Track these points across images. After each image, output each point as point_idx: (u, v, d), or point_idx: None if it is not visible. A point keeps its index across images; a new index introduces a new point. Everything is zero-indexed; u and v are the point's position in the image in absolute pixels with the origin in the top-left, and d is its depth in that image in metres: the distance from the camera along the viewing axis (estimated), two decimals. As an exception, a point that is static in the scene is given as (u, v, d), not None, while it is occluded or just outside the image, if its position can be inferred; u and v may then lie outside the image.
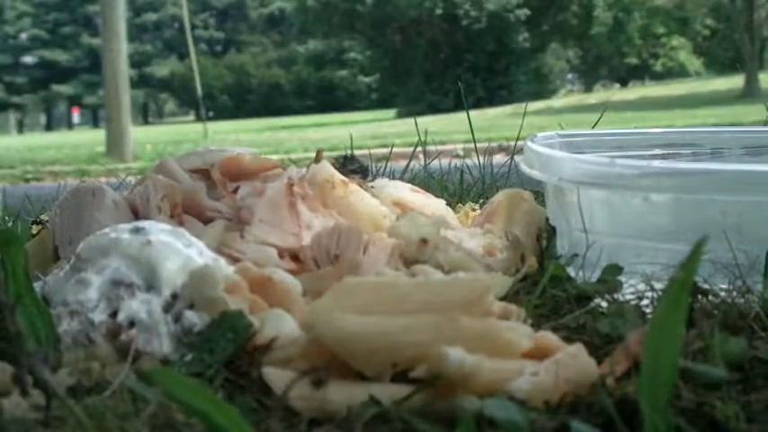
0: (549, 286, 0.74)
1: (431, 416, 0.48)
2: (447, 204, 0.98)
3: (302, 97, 30.06)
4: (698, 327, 0.61)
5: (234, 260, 0.71)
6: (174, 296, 0.61)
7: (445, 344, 0.48)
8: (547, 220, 0.86)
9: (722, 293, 0.68)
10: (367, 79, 27.23)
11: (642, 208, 0.76)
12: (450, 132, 7.57)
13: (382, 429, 0.48)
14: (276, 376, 0.52)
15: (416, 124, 1.67)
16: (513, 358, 0.52)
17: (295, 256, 0.77)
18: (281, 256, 0.76)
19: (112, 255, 0.62)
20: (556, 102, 16.00)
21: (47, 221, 0.91)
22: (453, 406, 0.48)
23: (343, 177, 0.88)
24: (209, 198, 0.81)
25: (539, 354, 0.53)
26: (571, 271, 0.78)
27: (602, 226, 0.79)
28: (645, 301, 0.70)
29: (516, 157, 1.35)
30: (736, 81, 14.32)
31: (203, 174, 0.87)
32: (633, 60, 26.52)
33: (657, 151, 1.03)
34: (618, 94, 17.86)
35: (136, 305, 0.60)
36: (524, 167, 0.89)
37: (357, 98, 29.27)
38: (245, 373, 0.58)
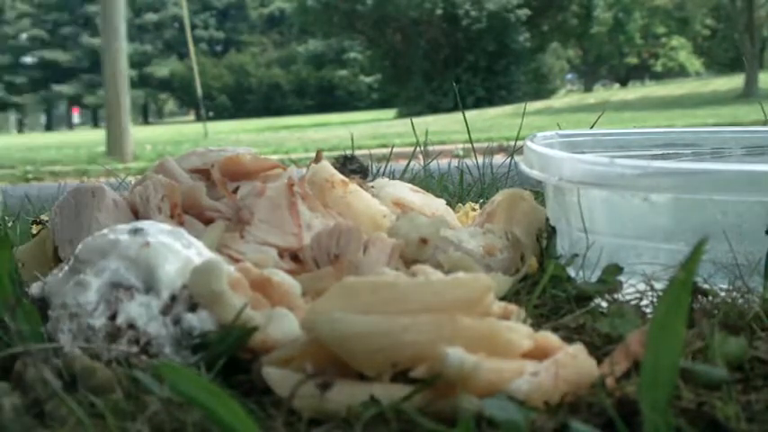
0: (549, 286, 0.74)
1: (431, 416, 0.48)
2: (447, 204, 0.98)
3: (302, 97, 30.08)
4: (698, 327, 0.61)
5: (234, 260, 0.71)
6: (173, 298, 0.60)
7: (445, 344, 0.48)
8: (547, 220, 0.86)
9: (722, 293, 0.69)
10: (367, 79, 27.23)
11: (642, 208, 0.76)
12: (450, 132, 7.57)
13: (382, 429, 0.48)
14: (277, 376, 0.52)
15: (413, 125, 1.67)
16: (513, 358, 0.52)
17: (295, 256, 0.77)
18: (281, 256, 0.76)
19: (111, 256, 0.62)
20: (556, 102, 16.00)
21: (47, 221, 0.91)
22: (453, 406, 0.48)
23: (343, 177, 0.88)
24: (209, 198, 0.81)
25: (539, 354, 0.54)
26: (571, 271, 0.78)
27: (602, 226, 0.79)
28: (645, 301, 0.70)
29: (516, 157, 1.35)
30: (736, 81, 14.32)
31: (203, 174, 0.87)
32: (633, 60, 26.54)
33: (657, 151, 1.03)
34: (618, 94, 17.86)
35: (135, 308, 0.60)
36: (524, 167, 0.89)
37: (357, 98, 29.28)
38: (245, 372, 0.58)
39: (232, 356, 0.58)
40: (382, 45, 19.82)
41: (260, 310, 0.60)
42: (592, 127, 1.48)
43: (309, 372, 0.50)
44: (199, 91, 12.32)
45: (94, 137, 13.48)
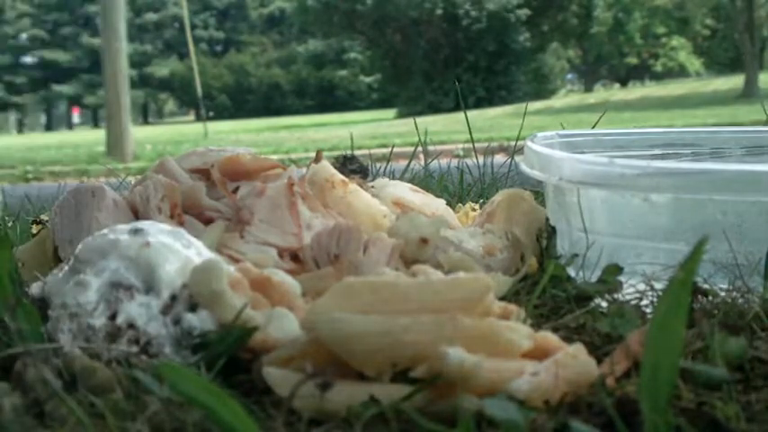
0: (549, 286, 0.74)
1: (431, 416, 0.48)
2: (447, 204, 0.98)
3: (302, 97, 30.08)
4: (698, 327, 0.61)
5: (234, 260, 0.71)
6: (174, 298, 0.60)
7: (445, 344, 0.48)
8: (547, 220, 0.86)
9: (722, 293, 0.69)
10: (367, 79, 27.22)
11: (642, 208, 0.76)
12: (450, 132, 7.57)
13: (382, 429, 0.48)
14: (277, 376, 0.52)
15: (416, 125, 1.67)
16: (513, 358, 0.52)
17: (295, 256, 0.77)
18: (281, 256, 0.76)
19: (111, 256, 0.62)
20: (556, 102, 16.01)
21: (47, 221, 0.91)
22: (453, 406, 0.48)
23: (343, 177, 0.88)
24: (210, 198, 0.81)
25: (539, 354, 0.54)
26: (571, 271, 0.78)
27: (602, 226, 0.79)
28: (645, 301, 0.70)
29: (516, 157, 1.36)
30: (736, 81, 14.33)
31: (203, 174, 0.87)
32: (633, 60, 26.55)
33: (657, 151, 1.03)
34: (618, 94, 17.88)
35: (135, 307, 0.60)
36: (524, 167, 0.89)
37: (357, 98, 29.27)
38: (245, 372, 0.58)
39: (232, 356, 0.58)
40: (382, 45, 19.81)
41: (260, 310, 0.60)
42: (593, 127, 1.48)
43: (309, 372, 0.50)
44: (199, 91, 12.33)
45: (94, 137, 13.49)
